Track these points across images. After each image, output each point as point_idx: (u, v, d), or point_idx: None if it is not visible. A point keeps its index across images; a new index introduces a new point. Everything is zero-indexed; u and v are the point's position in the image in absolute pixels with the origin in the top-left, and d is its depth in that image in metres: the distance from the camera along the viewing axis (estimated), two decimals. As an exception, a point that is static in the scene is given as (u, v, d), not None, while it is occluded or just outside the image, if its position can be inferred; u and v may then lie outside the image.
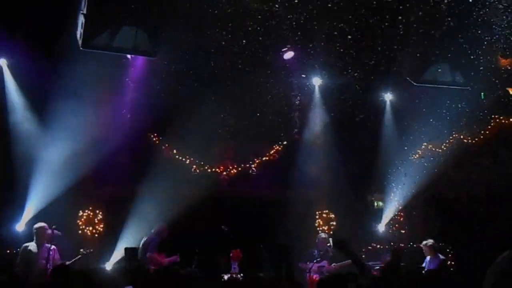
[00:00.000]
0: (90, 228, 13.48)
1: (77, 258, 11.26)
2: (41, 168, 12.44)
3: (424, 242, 12.39)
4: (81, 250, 11.48)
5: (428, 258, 12.34)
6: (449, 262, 14.18)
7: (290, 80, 14.16)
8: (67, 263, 10.53)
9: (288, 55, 13.23)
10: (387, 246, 15.10)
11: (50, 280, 7.99)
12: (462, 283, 8.28)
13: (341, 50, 12.42)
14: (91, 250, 11.81)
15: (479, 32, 11.91)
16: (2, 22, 11.40)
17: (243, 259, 12.29)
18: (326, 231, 14.77)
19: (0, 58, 12.50)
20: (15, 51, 12.19)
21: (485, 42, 12.16)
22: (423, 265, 12.29)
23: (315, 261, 12.69)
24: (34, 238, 10.82)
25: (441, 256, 12.42)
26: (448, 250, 14.61)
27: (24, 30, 11.67)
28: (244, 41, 12.02)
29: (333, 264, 12.79)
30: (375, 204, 16.26)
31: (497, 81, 13.71)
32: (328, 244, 12.96)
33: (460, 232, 14.64)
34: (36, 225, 10.91)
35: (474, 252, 13.64)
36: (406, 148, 15.24)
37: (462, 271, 13.78)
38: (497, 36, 12.03)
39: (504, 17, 11.49)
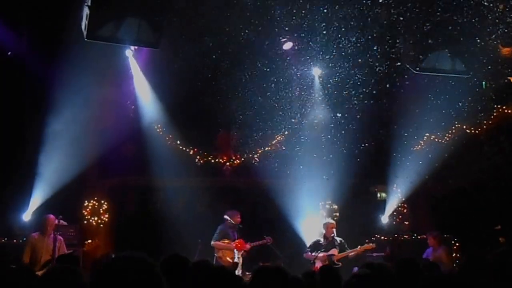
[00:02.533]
0: (95, 218, 13.70)
1: (80, 249, 11.53)
2: (47, 158, 12.66)
3: (429, 233, 12.57)
4: (86, 242, 11.69)
5: (431, 248, 12.50)
6: (454, 254, 14.30)
7: (291, 70, 14.29)
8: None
9: (287, 45, 13.34)
10: (390, 238, 15.10)
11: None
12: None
13: (342, 39, 12.58)
14: (96, 241, 12.02)
15: (479, 19, 12.00)
16: (7, 15, 11.66)
17: (246, 249, 12.55)
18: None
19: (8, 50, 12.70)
20: (21, 43, 12.40)
21: (485, 30, 12.24)
22: (424, 255, 12.47)
23: (322, 249, 12.40)
24: (42, 228, 11.00)
25: (444, 246, 12.58)
26: (453, 242, 14.66)
27: (29, 22, 11.89)
28: (245, 30, 12.20)
29: (349, 251, 12.43)
30: (378, 195, 16.36)
31: (498, 70, 13.77)
32: (332, 235, 12.65)
33: (464, 223, 14.72)
34: (44, 216, 11.07)
35: (479, 242, 13.75)
36: (408, 138, 15.37)
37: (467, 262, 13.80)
38: (496, 23, 12.13)
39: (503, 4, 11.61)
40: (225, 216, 12.63)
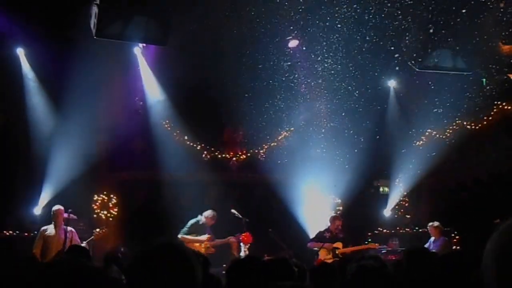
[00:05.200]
0: (105, 212, 13.59)
1: (90, 239, 11.44)
2: (57, 153, 12.56)
3: (431, 223, 12.49)
4: (95, 230, 11.67)
5: (432, 239, 12.42)
6: (454, 246, 14.19)
7: (296, 67, 14.17)
8: (83, 243, 10.72)
9: (293, 43, 13.26)
10: (393, 231, 15.08)
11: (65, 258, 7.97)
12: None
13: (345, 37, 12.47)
14: (104, 230, 12.01)
15: (480, 17, 11.90)
16: (19, 13, 11.53)
17: (252, 242, 12.38)
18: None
19: (17, 47, 12.64)
20: (32, 40, 12.27)
21: (486, 28, 12.18)
22: (426, 245, 12.36)
23: (328, 241, 12.25)
24: (52, 220, 10.84)
25: (444, 237, 12.54)
26: (453, 234, 14.58)
27: (40, 20, 11.76)
28: (250, 28, 12.09)
29: (350, 246, 12.32)
30: (381, 189, 16.22)
31: (498, 67, 13.68)
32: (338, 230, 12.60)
33: (464, 216, 14.63)
34: (54, 208, 10.93)
35: (478, 236, 13.63)
36: (410, 134, 15.25)
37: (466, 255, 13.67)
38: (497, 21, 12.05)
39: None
40: (204, 213, 12.22)
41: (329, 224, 12.74)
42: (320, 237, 12.54)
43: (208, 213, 12.22)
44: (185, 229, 12.00)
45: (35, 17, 11.69)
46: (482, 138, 15.23)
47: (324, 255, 11.99)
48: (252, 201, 14.93)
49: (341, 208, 15.30)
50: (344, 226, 12.85)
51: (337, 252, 12.15)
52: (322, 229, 12.81)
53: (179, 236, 11.90)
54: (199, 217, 12.18)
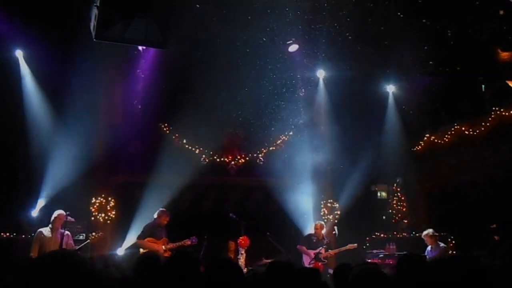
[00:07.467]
0: (103, 215, 13.48)
1: (86, 242, 11.35)
2: (55, 156, 12.45)
3: (425, 232, 12.32)
4: (91, 234, 11.57)
5: (429, 247, 12.30)
6: (450, 251, 14.12)
7: (295, 72, 14.12)
8: (77, 247, 10.62)
9: (293, 48, 13.21)
10: (390, 235, 15.02)
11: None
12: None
13: (345, 42, 12.40)
14: (101, 234, 11.91)
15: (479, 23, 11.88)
16: (18, 14, 11.41)
17: (250, 245, 12.28)
18: (331, 219, 14.89)
19: (16, 49, 12.59)
20: (31, 42, 12.19)
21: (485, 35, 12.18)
22: (425, 254, 12.27)
23: (313, 246, 12.71)
24: (50, 223, 10.70)
25: (442, 244, 12.40)
26: (449, 239, 14.52)
27: (39, 22, 11.65)
28: (251, 32, 12.01)
29: (329, 251, 12.76)
30: (379, 194, 16.19)
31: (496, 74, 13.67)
32: (334, 232, 13.00)
33: (461, 221, 14.57)
34: (56, 212, 10.74)
35: (475, 241, 13.58)
36: (408, 139, 15.20)
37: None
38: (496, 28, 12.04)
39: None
40: (154, 215, 11.98)
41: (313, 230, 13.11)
42: (308, 240, 13.01)
43: (159, 212, 11.92)
44: (140, 233, 11.76)
45: (34, 19, 11.57)
46: (479, 143, 15.17)
47: (308, 260, 12.50)
48: (250, 205, 14.87)
49: (339, 212, 15.34)
50: (341, 229, 13.11)
51: (320, 256, 12.48)
52: (310, 232, 13.19)
53: (137, 241, 11.74)
54: (154, 219, 11.98)
